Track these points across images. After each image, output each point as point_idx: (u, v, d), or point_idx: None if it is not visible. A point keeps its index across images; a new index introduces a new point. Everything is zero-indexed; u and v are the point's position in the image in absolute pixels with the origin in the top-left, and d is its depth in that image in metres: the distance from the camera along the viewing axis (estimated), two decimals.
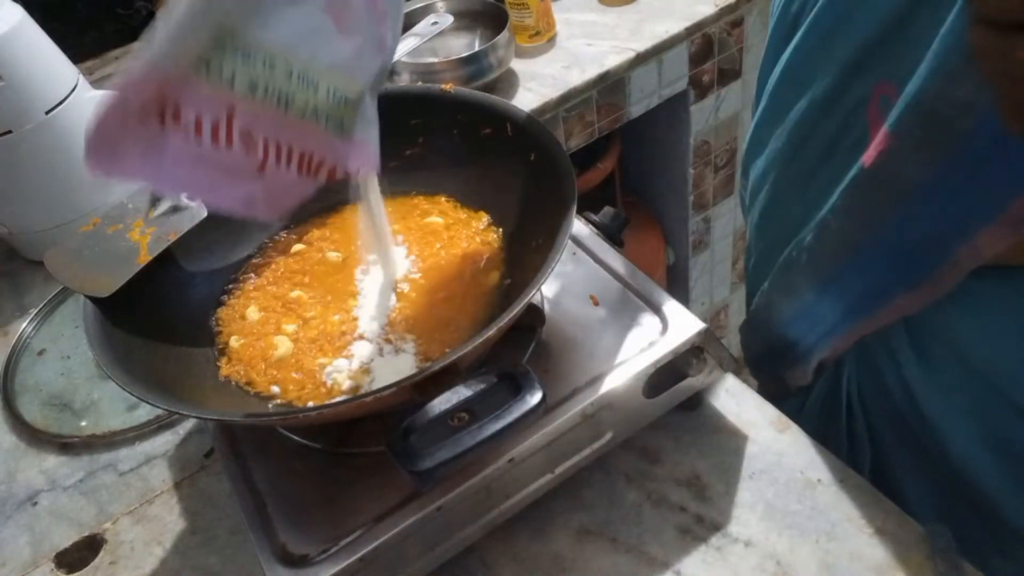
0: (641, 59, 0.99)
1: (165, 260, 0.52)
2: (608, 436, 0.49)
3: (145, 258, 0.49)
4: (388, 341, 0.50)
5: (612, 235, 0.58)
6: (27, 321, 0.75)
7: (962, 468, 0.51)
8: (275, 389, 0.49)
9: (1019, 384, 0.47)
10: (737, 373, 0.55)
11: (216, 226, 0.55)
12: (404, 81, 0.89)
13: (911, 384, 0.52)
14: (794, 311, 0.57)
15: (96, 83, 1.00)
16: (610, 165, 1.27)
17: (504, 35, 0.90)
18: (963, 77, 0.37)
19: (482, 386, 0.38)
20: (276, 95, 0.35)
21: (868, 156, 0.45)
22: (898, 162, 0.43)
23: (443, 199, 0.60)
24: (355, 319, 0.52)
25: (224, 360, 0.51)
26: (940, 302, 0.47)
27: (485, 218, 0.58)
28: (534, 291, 0.41)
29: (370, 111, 0.43)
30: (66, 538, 0.56)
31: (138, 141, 0.33)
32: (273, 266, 0.58)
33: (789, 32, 0.52)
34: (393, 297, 0.53)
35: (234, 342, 0.52)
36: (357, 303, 0.53)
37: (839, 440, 0.60)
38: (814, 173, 0.53)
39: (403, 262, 0.55)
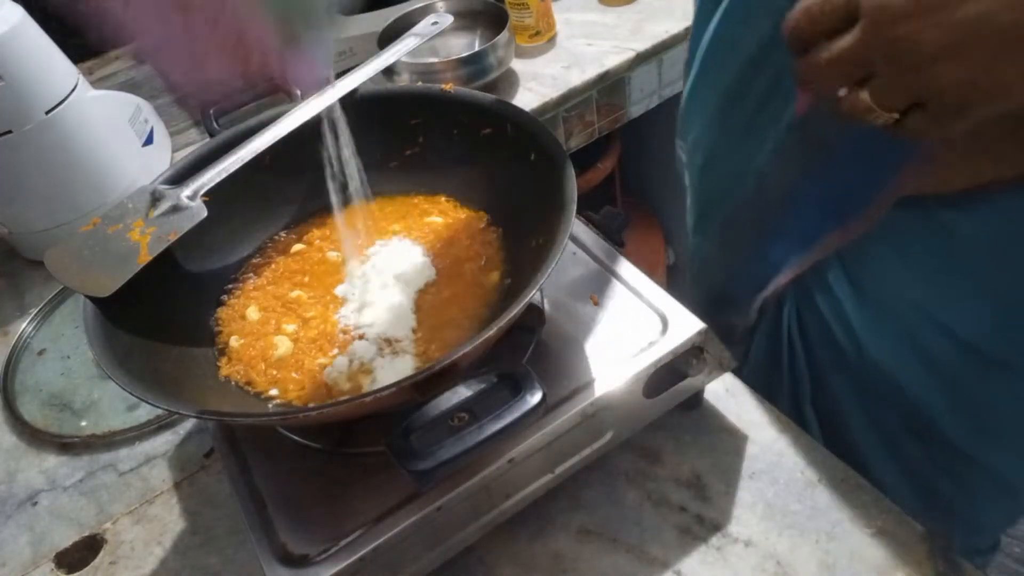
0: (641, 59, 0.99)
1: (165, 260, 0.52)
2: (608, 436, 0.49)
3: (145, 258, 0.49)
4: (388, 341, 0.50)
5: (612, 235, 0.58)
6: (27, 321, 0.75)
7: (899, 391, 0.55)
8: (275, 389, 0.49)
9: (940, 304, 0.51)
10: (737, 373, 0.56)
11: (216, 226, 0.55)
12: (404, 81, 0.89)
13: (847, 314, 0.55)
14: (738, 260, 0.61)
15: (96, 83, 1.00)
16: (610, 165, 1.27)
17: (504, 35, 0.90)
18: None
19: (482, 386, 0.38)
20: None
21: (800, 106, 0.49)
22: (823, 109, 0.46)
23: (443, 199, 0.60)
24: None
25: (224, 360, 0.51)
26: (867, 234, 0.52)
27: (485, 218, 0.58)
28: (534, 291, 0.41)
29: (325, 32, 0.43)
30: (66, 538, 0.56)
31: None
32: (273, 266, 0.58)
33: None
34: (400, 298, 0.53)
35: (234, 342, 0.52)
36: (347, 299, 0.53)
37: (781, 379, 0.63)
38: (748, 129, 0.56)
39: (417, 260, 0.55)
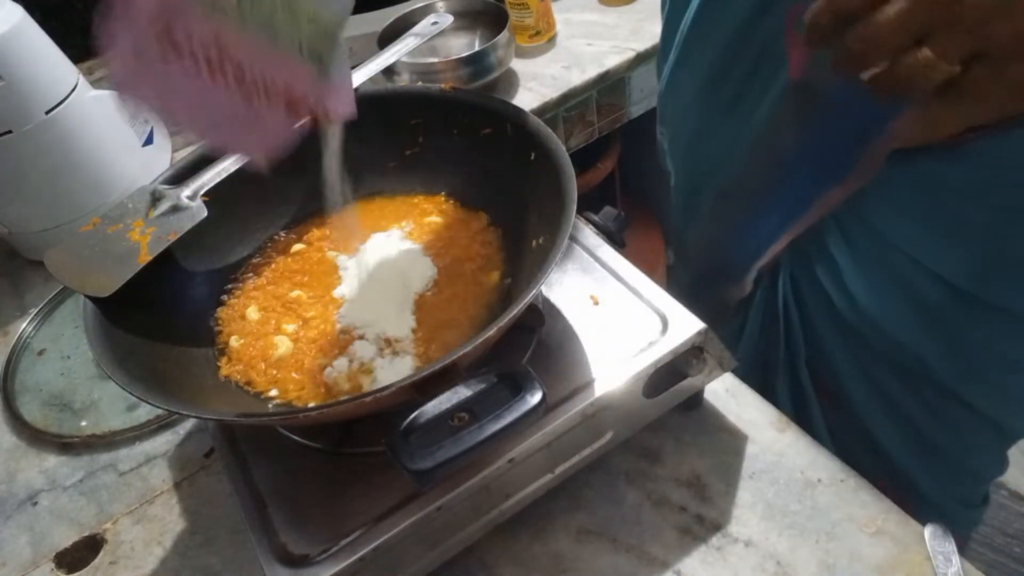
0: (641, 59, 0.99)
1: (165, 260, 0.52)
2: (608, 436, 0.49)
3: (145, 258, 0.49)
4: (388, 341, 0.50)
5: (612, 235, 0.58)
6: (27, 321, 0.75)
7: (893, 342, 0.56)
8: (275, 389, 0.49)
9: (931, 252, 0.53)
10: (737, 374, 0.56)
11: (216, 226, 0.55)
12: (404, 81, 0.89)
13: (842, 273, 0.57)
14: (733, 233, 0.63)
15: (96, 83, 1.00)
16: (610, 165, 1.27)
17: (504, 35, 0.90)
18: None
19: (482, 386, 0.38)
20: (264, 25, 0.36)
21: (794, 70, 0.50)
22: (820, 67, 0.48)
23: (443, 199, 0.60)
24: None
25: (224, 360, 0.51)
26: (861, 191, 0.54)
27: (485, 218, 0.58)
28: (534, 291, 0.41)
29: (342, 53, 0.43)
30: (66, 538, 0.56)
31: (149, 63, 0.35)
32: (273, 266, 0.58)
33: None
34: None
35: (234, 342, 0.52)
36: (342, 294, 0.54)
37: (777, 347, 0.65)
38: (735, 104, 0.57)
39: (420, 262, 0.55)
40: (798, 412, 0.58)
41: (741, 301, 0.69)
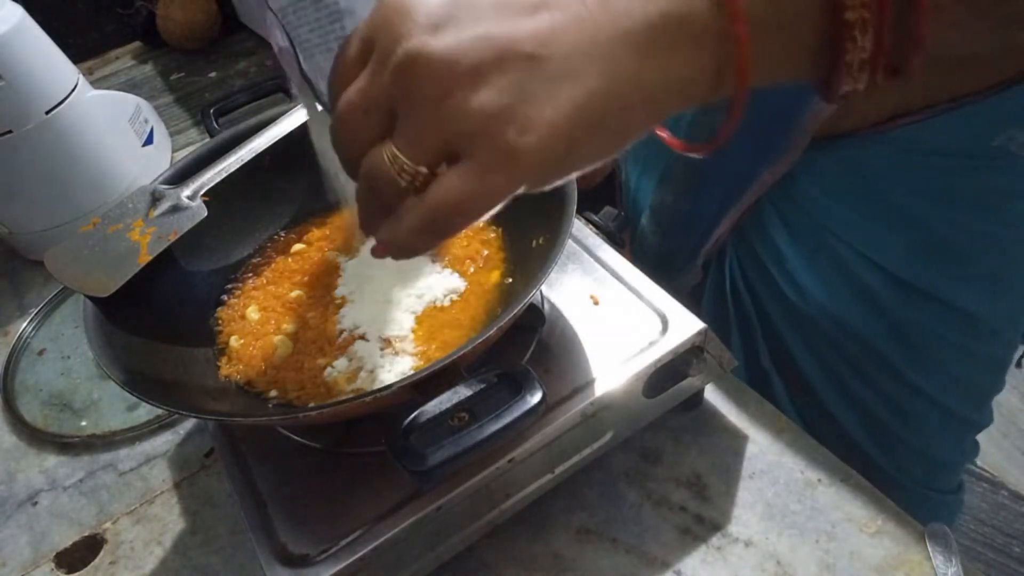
0: None
1: (165, 260, 0.52)
2: (608, 436, 0.49)
3: (145, 258, 0.49)
4: (388, 341, 0.50)
5: (612, 235, 0.58)
6: (27, 321, 0.75)
7: (842, 330, 0.58)
8: (275, 390, 0.49)
9: (863, 237, 0.54)
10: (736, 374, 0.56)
11: (216, 226, 0.55)
12: None
13: (785, 258, 0.59)
14: (676, 218, 0.64)
15: (96, 83, 1.00)
16: (610, 165, 1.27)
17: None
18: None
19: (482, 386, 0.38)
20: None
21: None
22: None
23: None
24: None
25: (224, 360, 0.51)
26: (795, 175, 0.56)
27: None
28: (534, 291, 0.41)
29: None
30: (66, 538, 0.56)
31: None
32: (273, 266, 0.58)
33: None
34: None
35: (234, 342, 0.52)
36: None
37: (729, 328, 0.67)
38: None
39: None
40: (763, 395, 0.59)
41: (693, 288, 0.71)
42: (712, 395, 0.55)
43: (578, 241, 0.56)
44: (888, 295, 0.55)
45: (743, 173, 0.58)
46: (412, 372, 0.47)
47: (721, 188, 0.60)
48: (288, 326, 0.52)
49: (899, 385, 0.58)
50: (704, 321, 0.58)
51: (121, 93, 0.85)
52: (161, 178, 0.54)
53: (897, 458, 0.62)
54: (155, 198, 0.52)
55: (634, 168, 0.71)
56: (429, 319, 0.51)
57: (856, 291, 0.56)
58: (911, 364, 0.57)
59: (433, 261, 0.55)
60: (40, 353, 0.72)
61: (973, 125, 0.48)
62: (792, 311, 0.60)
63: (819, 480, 0.50)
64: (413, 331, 0.51)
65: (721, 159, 0.57)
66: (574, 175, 0.28)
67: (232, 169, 0.53)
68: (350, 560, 0.40)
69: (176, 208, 0.51)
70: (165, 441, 0.62)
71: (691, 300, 0.70)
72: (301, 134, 0.56)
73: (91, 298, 0.47)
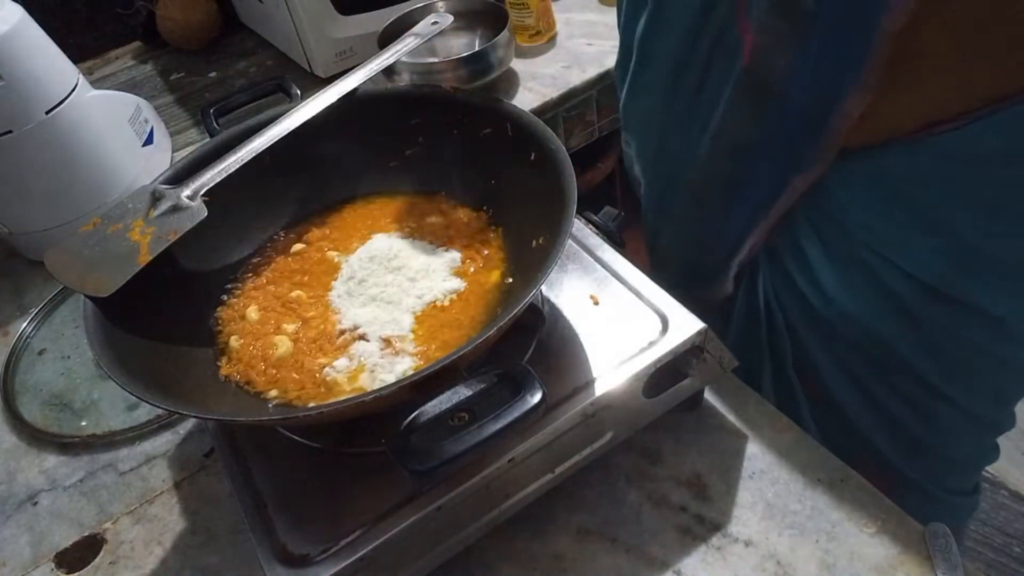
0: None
1: (165, 260, 0.52)
2: (608, 436, 0.49)
3: (145, 258, 0.49)
4: (388, 341, 0.50)
5: (612, 235, 0.58)
6: (27, 321, 0.75)
7: (870, 339, 0.57)
8: (275, 390, 0.49)
9: (896, 247, 0.53)
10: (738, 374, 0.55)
11: (216, 226, 0.55)
12: (404, 81, 0.89)
13: (815, 270, 0.58)
14: (707, 229, 0.64)
15: (96, 83, 1.00)
16: (610, 165, 1.27)
17: (504, 35, 0.90)
18: None
19: (482, 386, 0.38)
20: None
21: (745, 55, 0.51)
22: (767, 53, 0.49)
23: (443, 199, 0.60)
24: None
25: (224, 360, 0.51)
26: (826, 185, 0.55)
27: (485, 218, 0.58)
28: (535, 291, 0.41)
29: None
30: (66, 538, 0.56)
31: None
32: (273, 266, 0.58)
33: None
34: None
35: (234, 342, 0.52)
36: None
37: (761, 347, 0.66)
38: (695, 99, 0.58)
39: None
40: (786, 412, 0.59)
41: (723, 302, 0.69)
42: (712, 395, 0.55)
43: (578, 241, 0.56)
44: (919, 304, 0.54)
45: (774, 181, 0.57)
46: (412, 372, 0.47)
47: (752, 198, 0.59)
48: (288, 326, 0.52)
49: (926, 391, 0.58)
50: (733, 337, 0.57)
51: (121, 93, 0.85)
52: (161, 178, 0.54)
53: (918, 462, 0.62)
54: (155, 198, 0.52)
55: (655, 182, 0.70)
56: (429, 319, 0.51)
57: (889, 301, 0.55)
58: (939, 371, 0.57)
59: (436, 247, 0.55)
60: (40, 353, 0.72)
61: (1009, 132, 0.47)
62: (820, 323, 0.60)
63: (819, 480, 0.50)
64: (413, 331, 0.51)
65: (752, 168, 0.57)
66: None
67: (232, 169, 0.54)
68: (350, 560, 0.40)
69: (176, 208, 0.51)
70: (165, 441, 0.62)
71: (720, 317, 0.69)
72: (301, 134, 0.56)
73: (91, 298, 0.47)
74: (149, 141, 0.87)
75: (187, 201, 0.52)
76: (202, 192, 0.52)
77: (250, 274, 0.58)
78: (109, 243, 0.50)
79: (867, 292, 0.56)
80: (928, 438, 0.61)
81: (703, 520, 0.49)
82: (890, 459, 0.62)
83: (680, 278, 0.69)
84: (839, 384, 0.61)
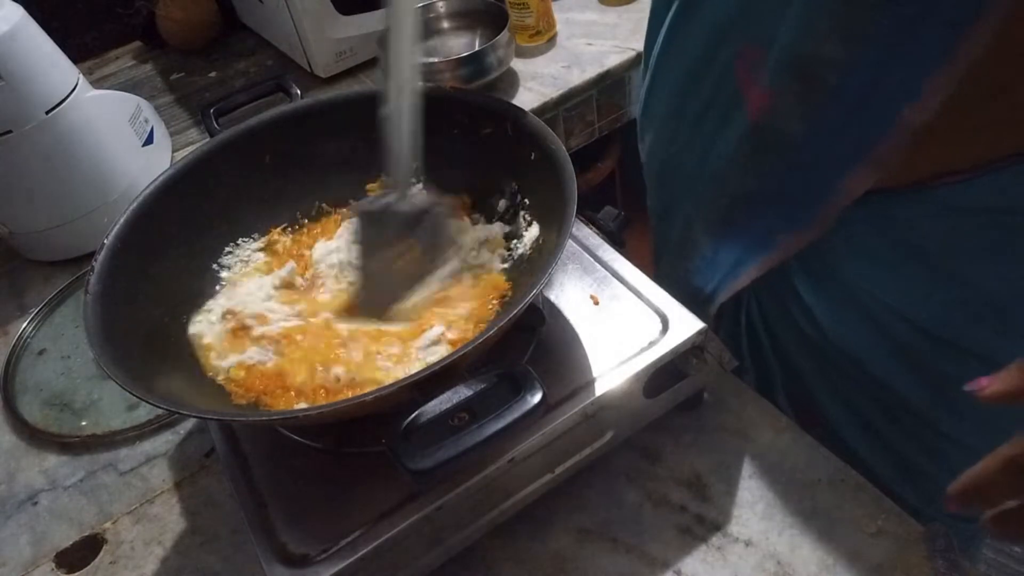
0: (642, 59, 0.99)
1: (165, 260, 0.52)
2: (608, 436, 0.49)
3: None
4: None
5: (612, 235, 0.58)
6: (27, 321, 0.75)
7: (868, 374, 0.57)
8: None
9: (895, 293, 0.53)
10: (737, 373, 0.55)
11: (215, 226, 0.55)
12: None
13: (810, 306, 0.58)
14: (695, 264, 0.63)
15: (96, 83, 1.00)
16: (610, 165, 1.27)
17: (504, 35, 0.90)
18: (829, 37, 0.42)
19: (482, 386, 0.38)
20: None
21: (752, 111, 0.50)
22: (779, 115, 0.48)
23: (443, 198, 0.60)
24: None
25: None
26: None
27: (485, 217, 0.58)
28: (535, 291, 0.41)
29: None
30: (66, 538, 0.56)
31: None
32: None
33: (669, 1, 0.57)
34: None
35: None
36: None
37: (743, 371, 0.66)
38: (695, 133, 0.58)
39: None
40: None
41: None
42: (712, 395, 0.55)
43: (578, 241, 0.56)
44: (923, 350, 0.53)
45: (768, 234, 0.55)
46: (412, 372, 0.47)
47: (743, 244, 0.58)
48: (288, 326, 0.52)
49: (927, 428, 0.57)
50: None
51: (121, 93, 0.85)
52: (161, 178, 0.54)
53: (924, 492, 0.61)
54: None
55: (660, 201, 0.70)
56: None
57: (888, 343, 0.54)
58: (942, 412, 0.56)
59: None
60: (40, 353, 0.72)
61: (1021, 183, 0.45)
62: (816, 355, 0.59)
63: (819, 480, 0.50)
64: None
65: (746, 217, 0.56)
66: None
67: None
68: (350, 560, 0.40)
69: None
70: (165, 441, 0.62)
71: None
72: (301, 133, 0.56)
73: (91, 298, 0.47)
74: (149, 141, 0.87)
75: None
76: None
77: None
78: None
79: (866, 334, 0.55)
80: (928, 467, 0.60)
81: (703, 520, 0.49)
82: (888, 483, 0.60)
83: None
84: (835, 411, 0.61)
